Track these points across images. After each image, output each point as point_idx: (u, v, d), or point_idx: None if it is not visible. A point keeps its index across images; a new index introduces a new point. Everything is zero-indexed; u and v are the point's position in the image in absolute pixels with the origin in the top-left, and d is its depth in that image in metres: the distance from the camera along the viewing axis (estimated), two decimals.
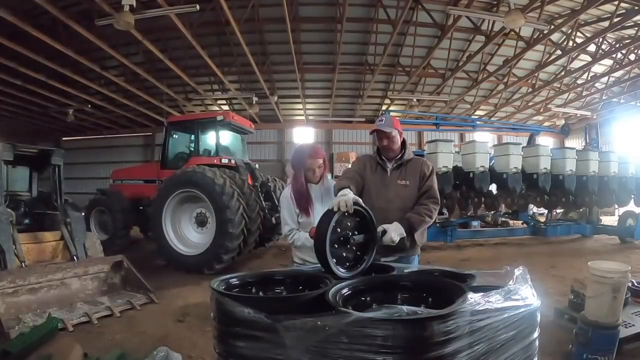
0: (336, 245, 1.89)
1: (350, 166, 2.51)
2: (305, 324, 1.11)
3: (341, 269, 1.88)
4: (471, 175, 7.31)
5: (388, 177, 2.38)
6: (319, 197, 2.44)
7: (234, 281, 1.60)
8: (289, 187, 2.46)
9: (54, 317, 3.27)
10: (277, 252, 7.69)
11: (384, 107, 15.23)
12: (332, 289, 1.33)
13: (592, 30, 9.90)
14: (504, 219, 10.31)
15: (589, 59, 11.08)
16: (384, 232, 2.04)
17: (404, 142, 2.41)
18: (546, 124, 16.56)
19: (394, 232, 2.06)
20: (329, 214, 1.87)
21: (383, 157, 2.40)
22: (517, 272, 1.50)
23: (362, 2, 9.52)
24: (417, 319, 1.05)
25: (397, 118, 2.52)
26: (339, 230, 1.92)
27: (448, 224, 8.24)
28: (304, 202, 2.38)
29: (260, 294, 1.57)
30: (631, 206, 8.72)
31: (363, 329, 1.04)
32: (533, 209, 10.15)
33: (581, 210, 9.20)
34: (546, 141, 13.39)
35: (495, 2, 8.69)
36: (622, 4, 8.12)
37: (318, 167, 2.41)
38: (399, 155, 2.38)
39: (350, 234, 1.96)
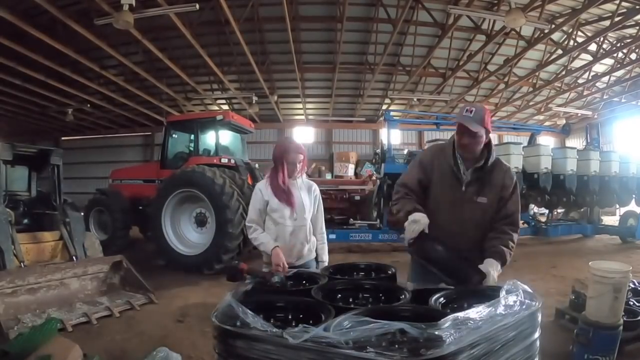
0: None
1: (415, 163, 2.01)
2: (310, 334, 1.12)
3: None
4: None
5: (462, 192, 1.86)
6: (304, 189, 2.45)
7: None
8: (267, 179, 2.43)
9: (53, 317, 3.26)
10: None
11: (384, 107, 15.21)
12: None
13: (593, 30, 9.87)
14: None
15: (590, 58, 11.05)
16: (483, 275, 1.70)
17: (489, 144, 1.88)
18: (547, 123, 16.54)
19: (495, 271, 1.72)
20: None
21: (459, 160, 1.87)
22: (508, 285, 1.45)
23: (362, 1, 9.50)
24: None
25: (490, 113, 1.91)
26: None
27: None
28: (284, 195, 2.34)
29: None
30: (632, 206, 8.70)
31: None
32: (534, 208, 10.12)
33: (582, 210, 9.18)
34: (547, 141, 13.37)
35: (495, 2, 8.67)
36: (623, 3, 8.09)
37: (299, 162, 2.38)
38: (481, 162, 1.85)
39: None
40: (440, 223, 1.79)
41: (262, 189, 2.40)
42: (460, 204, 1.86)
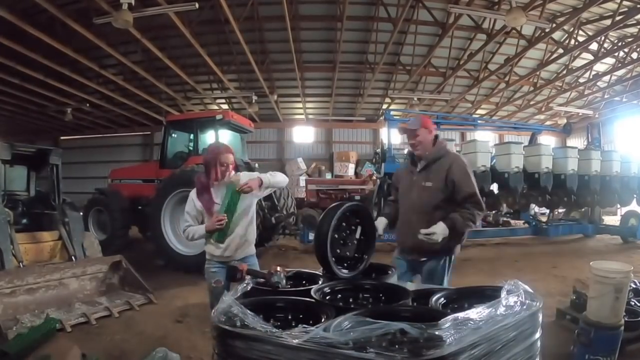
0: (338, 250, 1.87)
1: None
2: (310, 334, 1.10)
3: (342, 270, 1.86)
4: None
5: (414, 179, 2.41)
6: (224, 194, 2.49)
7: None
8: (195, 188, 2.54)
9: (52, 317, 3.25)
10: (277, 252, 7.67)
11: (384, 106, 15.19)
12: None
13: (594, 29, 9.85)
14: (505, 219, 10.27)
15: (591, 57, 11.02)
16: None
17: (435, 140, 2.41)
18: (548, 123, 16.51)
19: (440, 230, 2.16)
20: (329, 213, 1.84)
21: (415, 158, 2.46)
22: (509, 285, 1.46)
23: (363, 0, 9.49)
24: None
25: (428, 117, 2.66)
26: (339, 230, 1.90)
27: None
28: (206, 202, 2.47)
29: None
30: (633, 206, 8.67)
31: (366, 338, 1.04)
32: (535, 208, 10.11)
33: (583, 210, 9.15)
34: (548, 140, 13.29)
35: (496, 1, 8.63)
36: (625, 2, 8.07)
37: (230, 162, 2.48)
38: (431, 156, 2.39)
39: (350, 234, 1.94)
40: (400, 204, 2.46)
41: (193, 196, 2.52)
42: (411, 187, 2.40)
